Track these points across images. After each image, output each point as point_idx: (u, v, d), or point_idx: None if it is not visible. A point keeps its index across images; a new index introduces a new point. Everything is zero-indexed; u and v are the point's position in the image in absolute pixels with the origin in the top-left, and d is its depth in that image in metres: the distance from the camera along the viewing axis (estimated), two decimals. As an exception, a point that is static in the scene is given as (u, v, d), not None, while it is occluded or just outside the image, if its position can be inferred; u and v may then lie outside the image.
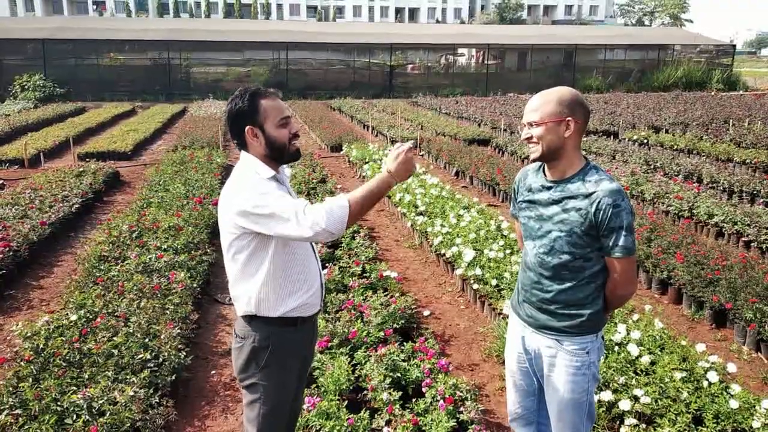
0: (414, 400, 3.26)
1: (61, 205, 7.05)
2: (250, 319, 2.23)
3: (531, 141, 2.18)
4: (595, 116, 16.76)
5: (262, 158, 2.19)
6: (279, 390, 2.27)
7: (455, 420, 3.09)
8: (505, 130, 14.47)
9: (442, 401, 3.15)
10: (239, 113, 2.16)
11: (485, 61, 30.97)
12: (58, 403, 3.04)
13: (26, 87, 22.01)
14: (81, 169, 9.05)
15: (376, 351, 3.65)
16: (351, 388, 3.42)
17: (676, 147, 12.10)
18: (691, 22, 70.20)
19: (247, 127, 2.16)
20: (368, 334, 3.92)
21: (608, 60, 31.12)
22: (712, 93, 26.14)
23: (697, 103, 20.40)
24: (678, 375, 3.32)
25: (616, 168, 9.27)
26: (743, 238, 6.35)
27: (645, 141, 12.98)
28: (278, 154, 2.19)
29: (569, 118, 2.13)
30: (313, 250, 2.34)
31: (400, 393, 3.28)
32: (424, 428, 3.02)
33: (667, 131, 14.32)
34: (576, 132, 2.15)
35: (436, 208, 6.73)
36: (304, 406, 3.08)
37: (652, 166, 9.93)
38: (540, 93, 2.21)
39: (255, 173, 2.16)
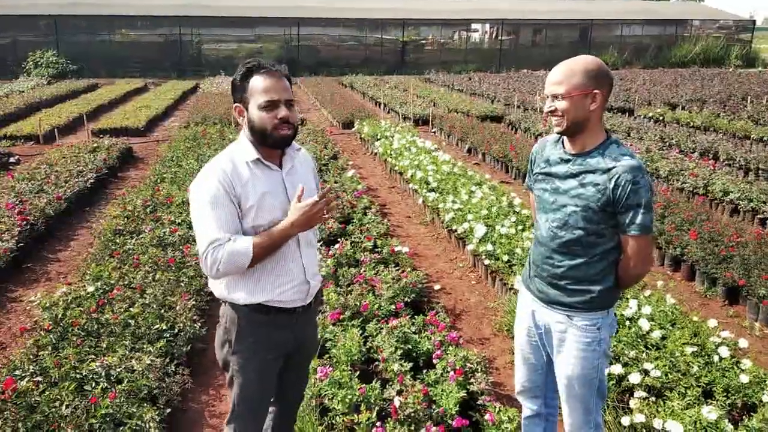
0: (425, 371, 3.30)
1: (76, 180, 7.13)
2: (224, 300, 2.17)
3: (555, 114, 2.10)
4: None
5: (251, 139, 2.07)
6: (251, 374, 2.19)
7: (465, 390, 3.12)
8: (518, 106, 14.31)
9: (452, 372, 3.19)
10: (233, 87, 2.06)
11: (499, 37, 30.50)
12: (77, 371, 3.12)
13: (39, 64, 22.10)
14: (95, 145, 9.12)
15: (388, 323, 3.69)
16: (363, 359, 3.46)
17: (692, 124, 11.91)
18: (711, -4, 68.60)
19: (234, 104, 2.06)
20: (380, 307, 3.96)
21: (625, 36, 30.52)
22: (731, 69, 25.63)
23: (714, 79, 20.02)
24: (689, 350, 3.32)
25: (631, 145, 9.17)
26: (758, 216, 6.28)
27: (661, 118, 12.80)
28: (259, 139, 2.04)
29: (596, 91, 2.05)
30: (299, 246, 2.17)
31: (411, 364, 3.32)
32: (434, 398, 3.05)
33: (683, 108, 14.10)
34: (601, 104, 2.08)
35: (448, 185, 6.71)
36: (317, 375, 3.13)
37: (667, 143, 9.80)
38: (564, 63, 2.11)
39: (229, 158, 2.04)
